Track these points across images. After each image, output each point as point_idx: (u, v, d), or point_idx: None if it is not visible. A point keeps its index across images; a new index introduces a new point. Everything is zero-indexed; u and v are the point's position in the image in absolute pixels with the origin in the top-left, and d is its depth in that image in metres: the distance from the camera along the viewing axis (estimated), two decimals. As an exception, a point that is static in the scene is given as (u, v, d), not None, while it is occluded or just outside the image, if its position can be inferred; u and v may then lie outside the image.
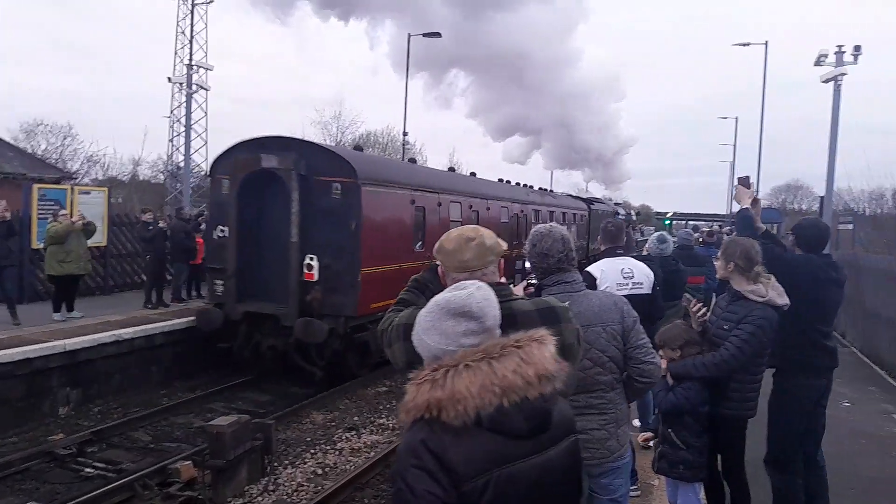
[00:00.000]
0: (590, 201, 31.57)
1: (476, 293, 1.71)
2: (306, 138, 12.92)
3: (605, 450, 2.85)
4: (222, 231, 11.29)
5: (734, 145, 42.57)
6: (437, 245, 2.28)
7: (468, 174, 18.78)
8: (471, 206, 15.16)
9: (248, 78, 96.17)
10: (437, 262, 2.30)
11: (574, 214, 25.82)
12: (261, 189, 11.06)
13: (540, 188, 26.01)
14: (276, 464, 7.69)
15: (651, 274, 4.99)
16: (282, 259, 10.73)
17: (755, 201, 4.66)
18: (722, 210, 51.58)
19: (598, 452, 2.84)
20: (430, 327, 1.70)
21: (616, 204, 42.88)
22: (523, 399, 1.57)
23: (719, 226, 36.46)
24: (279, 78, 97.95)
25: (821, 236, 4.44)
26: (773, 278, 3.92)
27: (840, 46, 14.48)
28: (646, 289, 4.87)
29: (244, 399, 11.03)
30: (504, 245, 2.28)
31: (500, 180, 20.67)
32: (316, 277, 10.49)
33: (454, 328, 1.66)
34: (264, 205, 11.25)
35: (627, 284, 4.78)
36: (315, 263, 10.48)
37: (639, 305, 4.63)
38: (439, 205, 13.54)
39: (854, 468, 6.11)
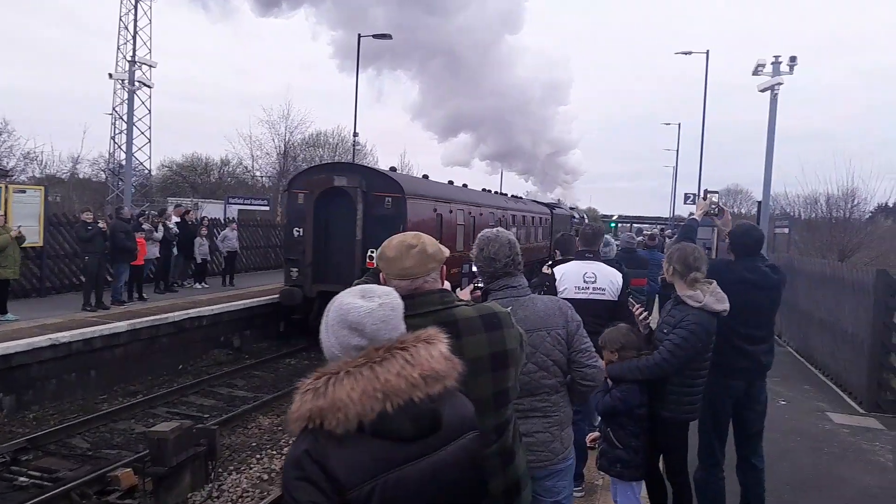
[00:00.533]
0: (552, 206, 34.62)
1: (376, 311, 1.66)
2: (367, 165, 18.08)
3: (549, 452, 2.88)
4: (298, 231, 15.01)
5: (677, 150, 43.86)
6: (378, 252, 2.27)
7: (461, 185, 21.93)
8: (469, 212, 19.26)
9: (194, 75, 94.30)
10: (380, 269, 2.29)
11: (540, 218, 29.65)
12: (330, 201, 14.63)
13: (513, 195, 29.70)
14: (220, 470, 7.56)
15: (618, 281, 4.96)
16: (348, 251, 14.34)
17: (722, 211, 5.04)
18: (665, 213, 52.91)
19: (542, 455, 2.87)
20: (328, 328, 1.69)
21: (571, 208, 44.95)
22: (408, 402, 1.56)
23: (661, 229, 37.38)
24: (226, 75, 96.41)
25: (753, 242, 4.51)
26: (713, 284, 3.98)
27: (777, 57, 15.01)
28: (608, 295, 4.85)
29: (188, 404, 10.81)
30: (446, 252, 2.28)
31: (485, 190, 24.67)
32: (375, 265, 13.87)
33: (347, 339, 1.64)
34: (331, 212, 14.71)
35: (588, 289, 4.82)
36: (375, 254, 13.56)
37: (601, 311, 4.71)
38: (450, 212, 17.62)
39: (790, 465, 6.32)
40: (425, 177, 20.55)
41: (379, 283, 2.36)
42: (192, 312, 13.44)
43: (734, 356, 4.22)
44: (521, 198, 31.81)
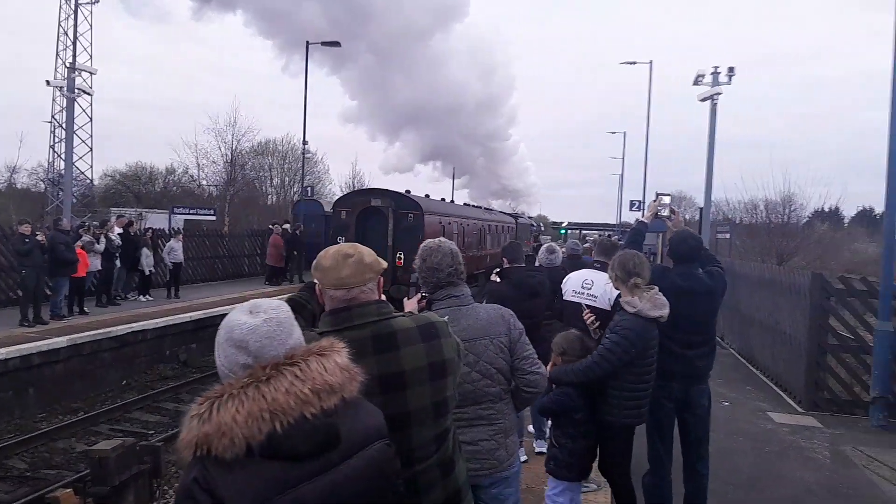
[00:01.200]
0: (516, 216, 40.01)
1: (260, 328, 1.58)
2: (385, 189, 21.77)
3: (494, 460, 2.89)
4: (341, 240, 17.27)
5: (623, 158, 44.78)
6: (314, 262, 2.22)
7: (450, 201, 27.35)
8: (460, 223, 24.09)
9: (138, 82, 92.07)
10: (315, 280, 2.24)
11: (507, 226, 35.06)
12: (368, 217, 19.84)
13: (485, 208, 35.97)
14: (165, 488, 7.38)
15: (609, 292, 4.89)
16: (381, 254, 17.36)
17: (674, 213, 5.19)
18: (613, 220, 53.98)
19: (487, 463, 2.88)
20: (217, 346, 1.62)
21: (529, 217, 51.37)
22: (300, 419, 1.50)
23: (608, 235, 38.26)
24: (171, 82, 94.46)
25: (688, 249, 4.60)
26: (654, 290, 4.04)
27: (716, 67, 15.50)
28: (600, 303, 4.87)
29: (132, 420, 10.53)
30: (384, 264, 2.27)
31: (466, 204, 29.99)
32: (402, 263, 18.63)
33: (234, 358, 1.58)
34: (368, 225, 19.62)
35: (583, 294, 4.96)
36: (402, 256, 18.71)
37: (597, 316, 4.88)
38: (449, 223, 22.54)
39: (732, 465, 6.50)
40: (426, 196, 24.45)
41: (314, 298, 2.35)
42: (136, 326, 13.10)
43: (670, 361, 4.28)
44: (491, 209, 37.31)
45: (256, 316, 1.61)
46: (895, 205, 8.23)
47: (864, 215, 57.23)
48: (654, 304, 3.97)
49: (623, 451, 4.23)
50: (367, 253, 2.21)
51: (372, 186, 23.80)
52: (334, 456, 1.56)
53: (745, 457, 6.83)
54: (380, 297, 2.21)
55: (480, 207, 33.04)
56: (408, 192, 21.04)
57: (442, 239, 2.98)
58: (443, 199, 25.60)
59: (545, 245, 7.19)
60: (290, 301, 2.51)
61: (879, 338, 8.02)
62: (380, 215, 19.55)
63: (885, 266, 8.17)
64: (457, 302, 2.88)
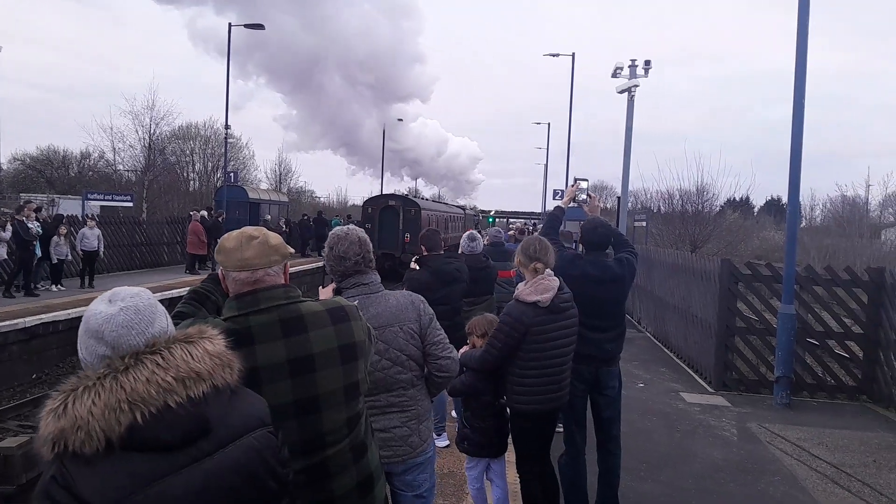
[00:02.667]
0: (463, 208, 52.24)
1: (116, 317, 1.52)
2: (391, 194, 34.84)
3: (407, 446, 2.92)
4: (368, 226, 28.26)
5: (547, 149, 45.69)
6: (217, 245, 2.17)
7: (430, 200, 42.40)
8: (438, 216, 35.80)
9: (50, 62, 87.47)
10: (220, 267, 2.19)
11: (459, 216, 45.75)
12: (385, 212, 30.74)
13: (448, 203, 50.11)
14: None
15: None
16: (394, 236, 29.88)
17: (590, 198, 5.27)
18: (538, 208, 55.19)
19: (400, 450, 2.90)
20: (79, 337, 1.55)
21: (471, 208, 64.77)
22: (163, 409, 1.45)
23: (533, 224, 39.08)
24: (88, 65, 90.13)
25: (598, 238, 4.73)
26: (544, 274, 4.05)
27: (633, 61, 15.91)
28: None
29: (42, 415, 10.08)
30: (290, 249, 2.23)
31: (436, 200, 42.02)
32: (409, 240, 28.79)
33: (94, 348, 1.52)
34: (384, 218, 30.51)
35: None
36: (409, 236, 28.80)
37: None
38: (433, 217, 33.47)
39: (646, 443, 6.76)
40: (421, 197, 35.60)
41: (219, 288, 2.30)
42: (46, 317, 12.53)
43: (581, 344, 4.36)
44: (447, 203, 50.71)
45: (113, 304, 1.55)
46: (797, 196, 8.69)
47: (772, 205, 60.08)
48: (534, 288, 3.97)
49: (524, 438, 4.22)
50: (273, 236, 2.16)
51: (387, 193, 37.74)
52: (206, 446, 1.52)
53: (658, 436, 7.11)
54: (286, 283, 2.16)
55: (447, 203, 48.20)
56: (410, 195, 32.08)
57: (351, 227, 2.96)
58: (428, 199, 41.92)
59: (467, 233, 7.26)
60: (192, 292, 2.44)
61: (782, 320, 8.45)
62: (393, 211, 30.62)
63: (789, 252, 8.61)
64: (366, 290, 2.88)
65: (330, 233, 2.96)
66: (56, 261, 16.14)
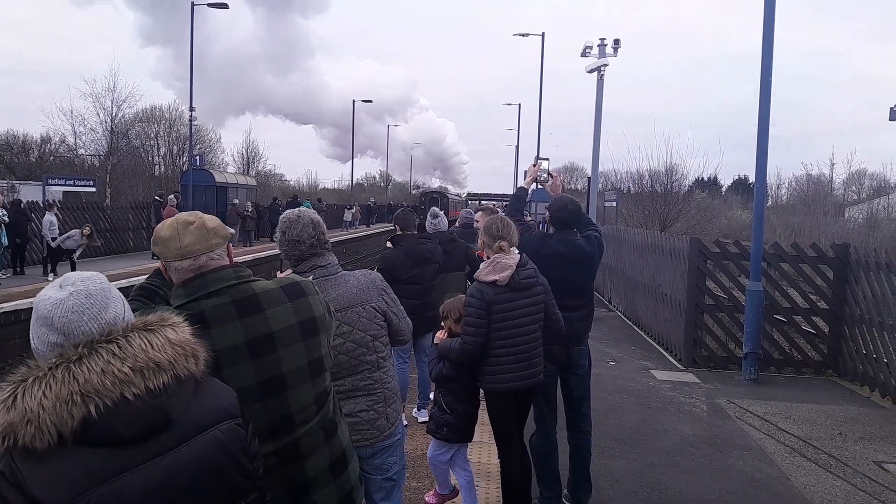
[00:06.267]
0: (459, 194, 63.61)
1: (66, 301, 1.45)
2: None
3: (374, 430, 2.86)
4: (422, 208, 40.13)
5: (518, 130, 45.58)
6: (153, 236, 2.05)
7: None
8: (452, 202, 60.69)
9: (5, 45, 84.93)
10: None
11: (460, 201, 56.68)
12: (430, 201, 50.58)
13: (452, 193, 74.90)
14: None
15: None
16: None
17: (552, 177, 5.24)
18: (510, 190, 55.51)
19: (367, 433, 2.84)
20: (31, 326, 1.49)
21: (458, 194, 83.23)
22: (120, 401, 1.37)
23: (505, 204, 39.49)
24: (47, 47, 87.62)
25: (568, 215, 4.68)
26: (503, 253, 3.99)
27: (602, 39, 15.88)
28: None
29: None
30: (230, 230, 2.13)
31: (448, 193, 67.67)
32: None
33: (45, 336, 1.45)
34: (430, 204, 33.70)
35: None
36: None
37: None
38: (451, 202, 59.61)
39: (617, 421, 6.81)
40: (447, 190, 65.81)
41: (165, 281, 2.19)
42: (8, 306, 12.23)
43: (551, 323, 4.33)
44: (454, 193, 71.14)
45: (63, 290, 1.47)
46: (764, 175, 8.77)
47: (740, 184, 60.93)
48: (492, 268, 3.94)
49: (496, 418, 4.19)
50: (210, 219, 2.06)
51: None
52: (167, 440, 1.44)
53: (629, 413, 7.16)
54: (231, 263, 2.07)
55: (455, 194, 72.89)
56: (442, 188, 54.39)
57: (302, 209, 2.85)
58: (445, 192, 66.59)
59: (430, 210, 7.26)
60: (139, 288, 2.34)
61: (750, 297, 8.55)
62: (433, 199, 45.17)
63: (756, 230, 8.70)
64: (323, 272, 2.79)
65: (280, 217, 2.84)
66: (56, 246, 15.67)
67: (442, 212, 7.32)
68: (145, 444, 1.41)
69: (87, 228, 15.82)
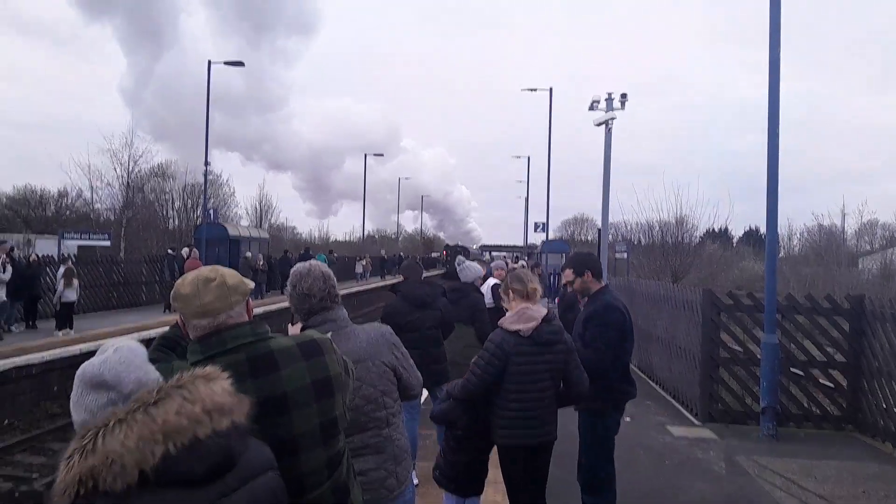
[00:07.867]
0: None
1: (111, 358, 1.55)
2: None
3: (384, 489, 2.80)
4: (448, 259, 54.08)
5: (528, 182, 45.98)
6: (172, 291, 2.05)
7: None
8: (473, 254, 55.49)
9: (17, 98, 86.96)
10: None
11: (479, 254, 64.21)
12: (453, 252, 57.05)
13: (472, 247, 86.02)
14: (49, 534, 6.87)
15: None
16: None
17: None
18: (520, 241, 55.55)
19: (377, 494, 2.78)
20: (75, 403, 1.53)
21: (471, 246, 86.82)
22: (193, 440, 1.44)
23: (516, 257, 39.70)
24: (58, 101, 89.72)
25: (599, 263, 4.73)
26: (528, 302, 3.96)
27: (610, 93, 16.16)
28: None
29: (14, 464, 9.78)
30: (250, 284, 2.12)
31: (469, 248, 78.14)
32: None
33: (97, 402, 1.50)
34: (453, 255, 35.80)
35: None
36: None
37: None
38: (473, 255, 52.39)
39: (633, 478, 6.63)
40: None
41: (180, 340, 2.19)
42: (20, 360, 12.22)
43: (628, 384, 4.30)
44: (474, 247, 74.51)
45: (104, 352, 1.57)
46: (775, 227, 8.77)
47: (751, 235, 60.76)
48: (518, 317, 3.89)
49: (509, 475, 4.07)
50: (230, 274, 2.05)
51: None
52: (231, 481, 1.51)
53: (645, 469, 7.00)
54: (250, 318, 2.06)
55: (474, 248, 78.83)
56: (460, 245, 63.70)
57: (313, 262, 2.85)
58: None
59: (457, 259, 7.65)
60: (161, 338, 2.36)
61: (766, 350, 8.44)
62: (456, 252, 40.78)
63: (769, 282, 8.64)
64: (334, 326, 2.76)
65: (291, 270, 2.83)
66: (66, 301, 15.75)
67: (467, 260, 7.59)
68: (213, 484, 1.47)
69: (64, 269, 15.98)
